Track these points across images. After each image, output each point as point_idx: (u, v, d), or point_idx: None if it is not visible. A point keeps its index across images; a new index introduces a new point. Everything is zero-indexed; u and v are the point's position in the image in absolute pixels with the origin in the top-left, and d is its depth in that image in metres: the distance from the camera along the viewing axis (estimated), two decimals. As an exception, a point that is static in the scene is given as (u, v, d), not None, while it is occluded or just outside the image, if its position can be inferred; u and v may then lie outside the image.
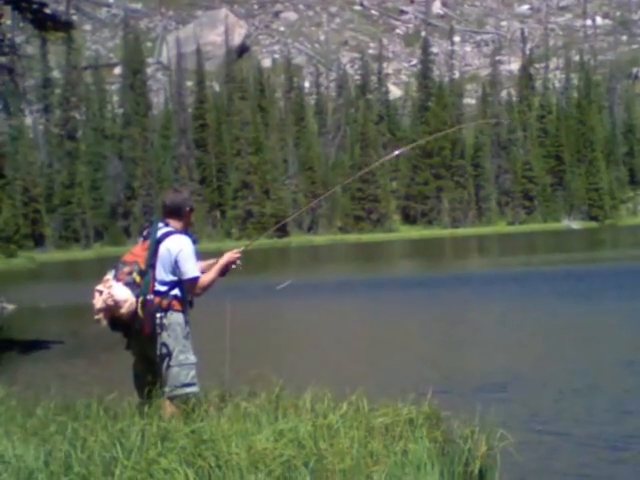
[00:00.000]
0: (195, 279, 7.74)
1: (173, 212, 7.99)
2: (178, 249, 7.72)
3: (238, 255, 8.03)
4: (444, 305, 27.45)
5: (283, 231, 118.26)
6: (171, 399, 7.60)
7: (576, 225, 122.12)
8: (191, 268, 7.73)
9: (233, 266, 7.98)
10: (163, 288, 7.70)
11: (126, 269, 7.67)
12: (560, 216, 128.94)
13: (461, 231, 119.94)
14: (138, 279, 7.62)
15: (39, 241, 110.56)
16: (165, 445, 6.39)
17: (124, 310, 7.54)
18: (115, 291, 7.53)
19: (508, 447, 7.16)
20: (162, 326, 7.64)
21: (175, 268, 7.72)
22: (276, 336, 21.19)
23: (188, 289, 7.80)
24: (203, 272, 7.88)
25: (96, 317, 7.65)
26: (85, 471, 6.10)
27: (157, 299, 7.65)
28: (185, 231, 7.97)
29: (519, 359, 15.74)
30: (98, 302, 7.60)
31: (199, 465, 6.06)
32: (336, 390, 7.85)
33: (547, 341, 18.03)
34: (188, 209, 8.06)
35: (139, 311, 7.58)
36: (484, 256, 62.97)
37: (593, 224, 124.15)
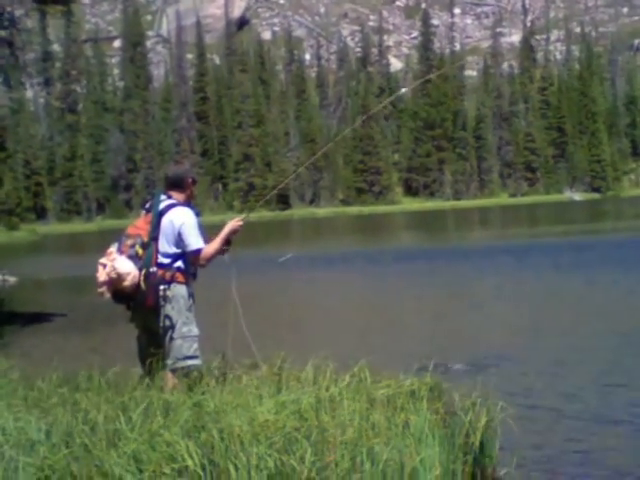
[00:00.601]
0: (199, 250, 7.73)
1: (175, 184, 7.97)
2: (181, 221, 7.71)
3: (240, 224, 8.02)
4: (446, 278, 27.43)
5: (285, 203, 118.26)
6: (173, 371, 7.62)
7: (578, 197, 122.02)
8: (195, 240, 7.73)
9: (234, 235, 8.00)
10: (166, 260, 7.70)
11: (129, 242, 7.67)
12: (562, 188, 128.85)
13: (463, 203, 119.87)
14: (141, 252, 7.62)
15: (41, 214, 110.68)
16: (168, 418, 6.40)
17: (127, 283, 7.54)
18: (118, 264, 7.53)
19: (507, 419, 7.18)
20: (165, 298, 7.65)
21: (178, 240, 7.72)
22: (278, 309, 21.21)
23: (192, 261, 7.80)
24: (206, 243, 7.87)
25: (99, 290, 7.66)
26: (88, 442, 6.11)
27: (160, 271, 7.65)
28: (188, 203, 7.96)
29: (518, 332, 15.75)
30: (102, 275, 7.59)
31: (201, 438, 6.07)
32: (338, 362, 7.86)
33: (545, 314, 18.03)
34: (190, 180, 8.04)
35: (142, 283, 7.58)
36: (486, 228, 62.96)
37: (595, 195, 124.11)
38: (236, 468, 5.84)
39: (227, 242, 7.93)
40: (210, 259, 7.82)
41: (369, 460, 6.06)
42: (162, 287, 7.64)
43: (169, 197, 7.89)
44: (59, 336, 17.54)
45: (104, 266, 7.59)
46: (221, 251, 7.89)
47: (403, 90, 12.42)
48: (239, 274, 8.06)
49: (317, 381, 7.41)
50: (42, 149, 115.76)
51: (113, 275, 7.52)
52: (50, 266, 40.07)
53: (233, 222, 8.02)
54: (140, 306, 7.69)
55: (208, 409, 6.47)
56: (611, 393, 10.25)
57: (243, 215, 8.30)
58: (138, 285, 7.58)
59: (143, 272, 7.58)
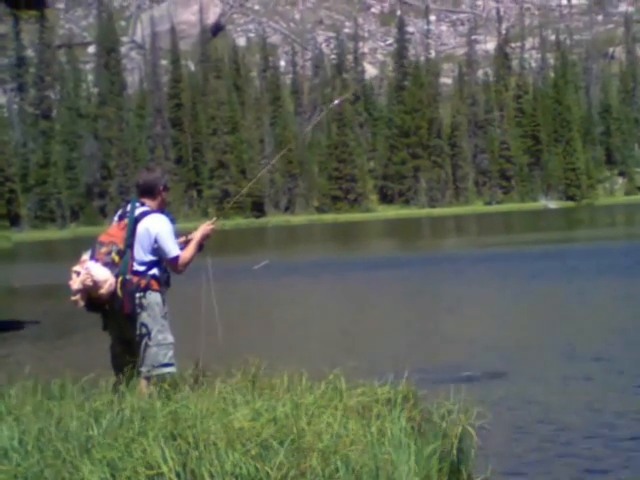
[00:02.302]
0: (176, 258, 7.75)
1: (147, 191, 7.96)
2: (157, 229, 7.71)
3: (212, 227, 8.05)
4: (421, 285, 27.48)
5: (260, 211, 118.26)
6: (148, 379, 7.58)
7: (553, 205, 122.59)
8: (172, 247, 7.74)
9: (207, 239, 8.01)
10: (141, 268, 7.68)
11: (103, 249, 7.62)
12: (537, 196, 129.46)
13: (438, 211, 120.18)
14: (117, 259, 7.58)
15: (15, 221, 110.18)
16: (142, 424, 6.37)
17: (104, 290, 7.49)
18: (94, 271, 7.47)
19: (484, 426, 7.18)
20: (141, 306, 7.63)
21: (154, 248, 7.70)
22: (252, 316, 21.16)
23: (171, 268, 7.80)
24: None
25: (73, 298, 7.60)
26: (62, 448, 6.07)
27: (135, 279, 7.62)
28: (162, 210, 7.94)
29: (495, 339, 15.78)
30: (75, 283, 7.53)
31: (176, 444, 6.04)
32: (314, 370, 7.84)
33: (521, 321, 18.08)
34: (162, 188, 8.03)
35: (118, 291, 7.54)
36: (461, 236, 63.10)
37: (570, 204, 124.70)
38: (211, 475, 5.81)
39: (200, 247, 7.96)
40: (187, 265, 7.84)
41: (345, 467, 6.03)
42: (138, 295, 7.62)
43: (142, 204, 7.86)
44: (32, 344, 17.43)
45: (77, 274, 7.53)
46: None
47: (336, 102, 12.27)
48: (213, 282, 8.03)
49: (292, 388, 7.39)
50: (15, 155, 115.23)
51: (89, 283, 7.46)
52: (23, 274, 39.85)
53: (205, 226, 8.07)
54: (116, 314, 7.64)
55: (183, 416, 6.44)
56: (590, 401, 10.26)
57: (214, 219, 8.28)
58: (114, 293, 7.53)
59: (120, 279, 7.54)
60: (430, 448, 6.69)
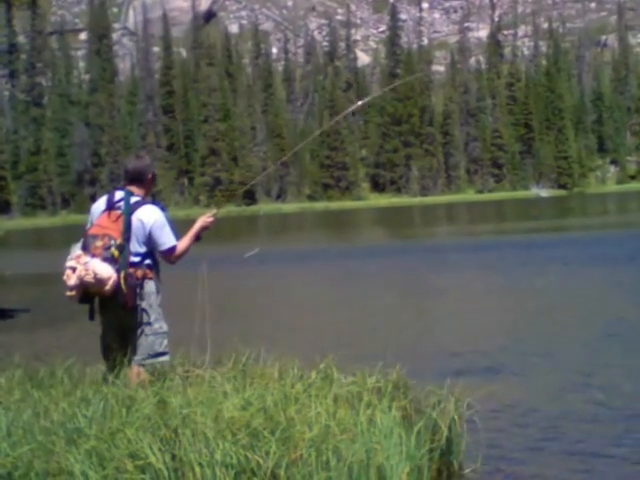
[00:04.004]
0: (173, 248, 7.73)
1: (135, 178, 7.91)
2: (152, 220, 7.67)
3: (212, 219, 8.01)
4: (413, 274, 27.47)
5: (251, 199, 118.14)
6: (141, 366, 7.55)
7: (545, 193, 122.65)
8: (168, 238, 7.71)
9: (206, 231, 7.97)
10: (137, 259, 7.65)
11: (99, 243, 7.53)
12: (529, 184, 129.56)
13: (430, 199, 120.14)
14: (117, 254, 7.51)
15: (5, 208, 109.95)
16: (129, 414, 6.34)
17: (108, 287, 7.43)
18: (98, 269, 7.39)
19: (474, 417, 7.17)
20: (140, 295, 7.61)
21: (149, 239, 7.67)
22: (243, 304, 21.14)
23: (165, 259, 7.78)
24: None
25: (69, 294, 7.54)
26: (48, 440, 6.04)
27: (132, 270, 7.59)
28: (154, 201, 7.91)
29: (486, 329, 15.78)
30: (71, 279, 7.45)
31: (164, 434, 6.01)
32: (305, 359, 7.82)
33: (512, 310, 18.08)
34: (150, 176, 7.98)
35: (122, 286, 7.49)
36: (453, 225, 63.11)
37: (562, 192, 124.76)
38: (200, 465, 5.78)
39: (197, 238, 7.94)
40: (182, 256, 7.83)
41: (335, 457, 6.02)
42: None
43: (130, 192, 7.79)
44: (22, 332, 17.39)
45: (73, 269, 7.46)
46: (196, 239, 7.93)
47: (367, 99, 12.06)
48: (199, 270, 8.02)
49: (283, 377, 7.37)
50: (6, 142, 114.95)
51: (90, 280, 7.39)
52: (14, 261, 39.74)
53: (204, 218, 8.02)
54: (118, 307, 7.59)
55: (172, 405, 6.41)
56: (580, 392, 10.26)
57: (214, 211, 8.24)
58: (117, 288, 7.48)
59: (122, 274, 7.49)
60: (421, 438, 6.68)
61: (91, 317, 7.77)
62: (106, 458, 5.82)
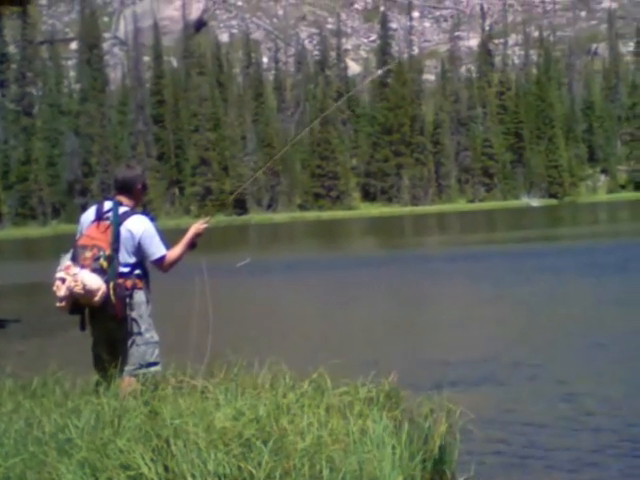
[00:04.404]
0: (162, 258, 7.70)
1: (124, 188, 7.88)
2: (141, 230, 7.65)
3: (205, 226, 7.99)
4: (404, 284, 27.48)
5: (242, 208, 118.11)
6: (133, 376, 7.53)
7: (535, 202, 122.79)
8: (157, 248, 7.69)
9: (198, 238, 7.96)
10: (126, 269, 7.63)
11: (88, 254, 7.51)
12: (520, 193, 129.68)
13: (421, 209, 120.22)
14: (105, 265, 7.48)
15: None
16: (121, 424, 6.33)
17: (97, 298, 7.41)
18: (87, 280, 7.37)
19: (468, 425, 7.17)
20: (130, 306, 7.58)
21: (138, 250, 7.65)
22: (234, 314, 21.12)
23: (157, 268, 7.75)
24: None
25: (59, 305, 7.52)
26: (40, 451, 6.03)
27: (121, 280, 7.56)
28: (143, 211, 7.89)
29: (477, 338, 15.79)
30: (61, 290, 7.44)
31: (157, 444, 5.99)
32: (296, 369, 7.81)
33: (503, 319, 18.09)
34: (140, 186, 7.94)
35: (112, 297, 7.46)
36: (443, 234, 63.15)
37: (552, 201, 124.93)
38: (192, 475, 5.77)
39: (192, 245, 7.91)
40: (173, 264, 7.80)
41: (328, 467, 6.00)
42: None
43: (119, 203, 7.77)
44: (13, 342, 17.33)
45: (62, 280, 7.44)
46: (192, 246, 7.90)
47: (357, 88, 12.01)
48: (196, 279, 8.00)
49: (275, 387, 7.36)
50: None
51: (79, 291, 7.37)
52: (4, 272, 39.65)
53: (197, 225, 8.01)
54: (104, 317, 7.57)
55: (164, 415, 6.39)
56: (573, 401, 10.26)
57: (207, 218, 8.23)
58: (106, 299, 7.45)
59: (111, 285, 7.47)
60: (413, 447, 6.67)
61: (82, 328, 7.75)
62: (98, 469, 5.80)
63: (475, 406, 7.65)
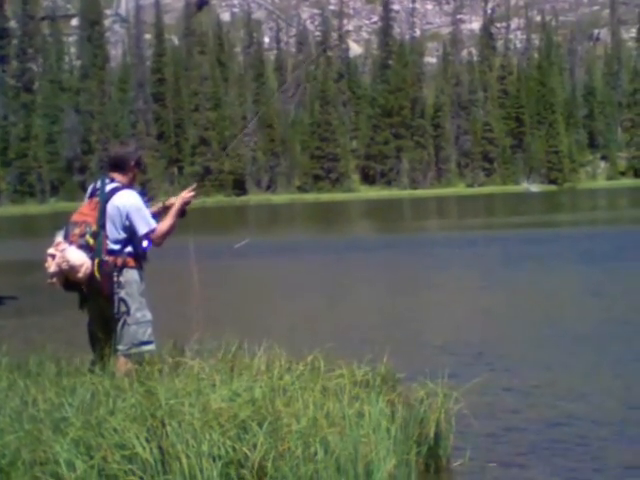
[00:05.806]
0: (153, 230, 7.62)
1: (117, 165, 7.81)
2: (128, 205, 7.58)
3: (192, 194, 7.92)
4: (402, 267, 27.47)
5: (241, 189, 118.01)
6: (127, 357, 7.50)
7: (535, 188, 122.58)
8: (146, 221, 7.61)
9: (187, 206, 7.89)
10: (116, 246, 7.57)
11: (77, 230, 7.48)
12: (519, 179, 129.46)
13: (420, 192, 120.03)
14: (91, 241, 7.44)
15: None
16: (116, 403, 6.32)
17: (80, 274, 7.38)
18: (70, 256, 7.35)
19: (462, 411, 7.17)
20: (119, 284, 7.53)
21: (126, 225, 7.59)
22: (232, 295, 21.11)
23: (151, 242, 7.65)
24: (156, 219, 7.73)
25: (50, 281, 7.51)
26: (35, 429, 6.03)
27: (111, 258, 7.51)
28: (130, 186, 7.78)
29: (475, 324, 15.80)
30: (51, 266, 7.43)
31: (151, 424, 5.99)
32: (293, 351, 7.80)
33: (500, 306, 18.07)
34: (133, 163, 7.86)
35: (96, 273, 7.43)
36: (442, 218, 63.09)
37: (552, 187, 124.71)
38: (187, 456, 5.77)
39: (182, 213, 7.82)
40: (165, 236, 7.71)
41: (323, 450, 6.00)
42: (115, 273, 7.52)
43: (112, 180, 7.73)
44: (10, 319, 17.33)
45: (53, 257, 7.43)
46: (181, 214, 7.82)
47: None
48: (195, 260, 7.97)
49: (271, 369, 7.35)
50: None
51: (65, 267, 7.36)
52: (2, 248, 39.62)
53: (183, 194, 7.93)
54: (95, 294, 7.56)
55: (158, 395, 6.38)
56: (570, 386, 10.27)
57: (194, 185, 8.14)
58: (92, 275, 7.43)
59: (96, 261, 7.43)
60: (408, 431, 6.67)
61: (81, 306, 7.75)
62: (93, 447, 5.81)
63: (471, 391, 7.65)
